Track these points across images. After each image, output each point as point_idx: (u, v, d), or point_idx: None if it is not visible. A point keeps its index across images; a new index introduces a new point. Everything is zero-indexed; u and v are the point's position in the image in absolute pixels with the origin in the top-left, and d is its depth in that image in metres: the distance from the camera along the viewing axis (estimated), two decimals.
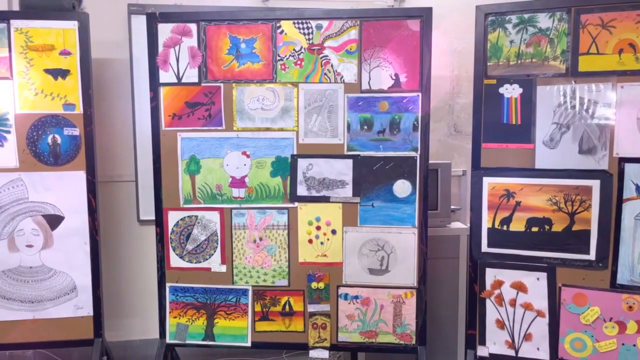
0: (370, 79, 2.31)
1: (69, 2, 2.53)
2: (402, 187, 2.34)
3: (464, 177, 3.17)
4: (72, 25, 2.35)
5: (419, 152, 2.32)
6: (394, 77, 2.30)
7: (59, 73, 2.36)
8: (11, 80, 2.33)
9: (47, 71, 2.35)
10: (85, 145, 2.41)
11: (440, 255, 2.75)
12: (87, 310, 2.47)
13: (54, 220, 2.41)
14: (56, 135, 2.38)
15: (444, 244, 2.76)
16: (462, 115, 3.24)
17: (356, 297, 2.42)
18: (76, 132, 2.40)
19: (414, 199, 2.34)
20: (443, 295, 2.80)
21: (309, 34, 2.32)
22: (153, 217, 2.93)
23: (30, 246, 2.41)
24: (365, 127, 2.33)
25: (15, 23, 2.32)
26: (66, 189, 2.41)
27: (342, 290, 2.42)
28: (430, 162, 2.36)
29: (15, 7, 2.78)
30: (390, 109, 2.31)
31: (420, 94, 2.29)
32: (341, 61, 2.32)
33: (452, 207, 2.84)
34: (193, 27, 2.35)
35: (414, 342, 2.40)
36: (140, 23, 2.89)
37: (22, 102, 2.35)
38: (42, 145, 2.38)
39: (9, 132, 2.35)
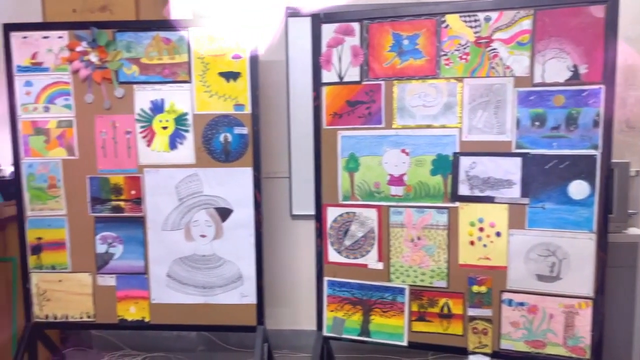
0: (544, 71, 2.15)
1: None
2: (578, 188, 2.15)
3: (638, 177, 2.87)
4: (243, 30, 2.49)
5: (599, 150, 2.11)
6: (572, 69, 2.12)
7: (231, 76, 2.52)
8: (190, 84, 2.54)
9: (221, 74, 2.52)
10: (252, 143, 2.55)
11: (615, 263, 2.49)
12: (251, 298, 2.62)
13: (224, 213, 2.59)
14: (227, 134, 2.55)
15: (620, 252, 2.51)
16: (636, 110, 2.92)
17: (522, 304, 2.28)
18: (245, 131, 2.55)
19: (592, 202, 2.14)
20: (617, 308, 2.55)
21: (476, 26, 2.22)
22: (305, 212, 3.06)
23: (203, 236, 2.61)
24: (537, 123, 2.18)
25: (194, 31, 2.52)
26: (235, 184, 2.57)
27: (505, 296, 2.30)
28: None
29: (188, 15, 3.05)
30: (566, 103, 2.14)
31: (603, 87, 2.09)
32: (511, 53, 2.19)
33: (628, 211, 2.57)
34: (356, 26, 2.38)
35: (587, 356, 2.21)
36: (296, 26, 3.01)
37: (199, 104, 2.55)
38: (215, 143, 2.56)
39: (188, 131, 2.56)
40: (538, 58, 2.16)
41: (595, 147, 2.12)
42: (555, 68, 2.14)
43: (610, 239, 2.42)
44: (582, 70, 2.11)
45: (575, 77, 2.12)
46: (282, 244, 3.23)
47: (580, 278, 2.19)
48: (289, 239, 3.22)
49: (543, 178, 2.19)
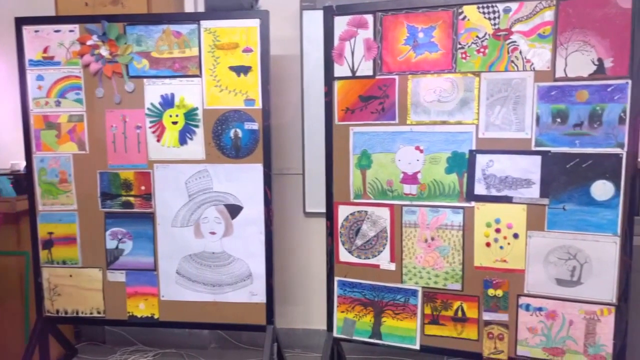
0: (566, 65, 2.04)
1: (247, 2, 2.64)
2: (602, 189, 2.04)
3: None
4: (255, 23, 2.44)
5: (625, 148, 2.00)
6: (596, 63, 2.00)
7: (242, 70, 2.47)
8: (200, 78, 2.50)
9: (232, 68, 2.48)
10: (262, 139, 2.49)
11: None
12: (261, 297, 2.58)
13: (234, 210, 2.55)
14: (237, 130, 2.51)
15: None
16: None
17: (540, 309, 2.18)
18: (255, 126, 2.49)
19: (617, 203, 2.03)
20: None
21: (494, 18, 2.13)
22: (318, 210, 3.00)
23: (213, 233, 2.57)
24: (559, 119, 2.08)
25: (204, 24, 2.48)
26: (245, 181, 2.52)
27: (523, 300, 2.20)
28: None
29: (200, 8, 3.00)
30: (590, 98, 2.03)
31: (629, 81, 1.97)
32: (532, 46, 2.09)
33: None
34: (369, 18, 2.30)
35: None
36: (311, 19, 2.94)
37: (209, 98, 2.51)
38: (225, 139, 2.52)
39: (197, 126, 2.52)
40: (560, 51, 2.05)
41: (620, 146, 2.00)
42: (578, 62, 2.03)
43: (637, 242, 2.31)
44: (608, 64, 1.99)
45: (600, 71, 2.00)
46: (295, 242, 3.18)
47: (603, 283, 2.08)
48: (302, 236, 3.16)
49: (564, 178, 2.08)
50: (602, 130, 2.02)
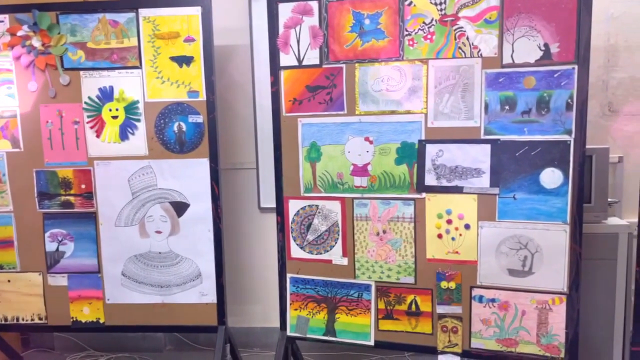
0: (513, 51, 2.00)
1: None
2: (551, 177, 2.00)
3: (621, 164, 2.73)
4: (196, 11, 2.33)
5: (573, 135, 1.96)
6: (543, 48, 1.96)
7: (184, 60, 2.36)
8: (140, 69, 2.38)
9: (173, 59, 2.36)
10: (208, 132, 2.39)
11: (593, 256, 2.36)
12: (211, 297, 2.48)
13: (180, 207, 2.44)
14: (181, 123, 2.39)
15: (599, 243, 2.37)
16: (619, 92, 2.77)
17: (493, 300, 2.14)
18: (200, 119, 2.39)
19: (566, 191, 2.00)
20: (595, 303, 2.41)
21: (441, 3, 2.06)
22: (273, 205, 2.89)
23: (159, 232, 2.46)
24: (507, 107, 2.03)
25: (143, 12, 2.35)
26: (191, 177, 2.42)
27: (476, 292, 2.16)
28: None
29: None
30: (537, 85, 1.98)
31: (576, 67, 1.94)
32: (478, 32, 2.03)
33: (608, 200, 2.42)
34: (314, 4, 2.22)
35: (562, 355, 2.07)
36: (260, 8, 2.83)
37: (151, 91, 2.39)
38: (169, 133, 2.40)
39: (139, 120, 2.40)
40: (507, 37, 2.00)
41: (568, 133, 1.97)
42: (525, 47, 1.98)
43: (588, 229, 2.31)
44: (554, 49, 1.95)
45: (546, 57, 1.96)
46: (251, 239, 3.09)
47: (554, 272, 2.05)
48: (258, 233, 3.08)
49: (514, 166, 2.04)
50: (550, 117, 1.98)
